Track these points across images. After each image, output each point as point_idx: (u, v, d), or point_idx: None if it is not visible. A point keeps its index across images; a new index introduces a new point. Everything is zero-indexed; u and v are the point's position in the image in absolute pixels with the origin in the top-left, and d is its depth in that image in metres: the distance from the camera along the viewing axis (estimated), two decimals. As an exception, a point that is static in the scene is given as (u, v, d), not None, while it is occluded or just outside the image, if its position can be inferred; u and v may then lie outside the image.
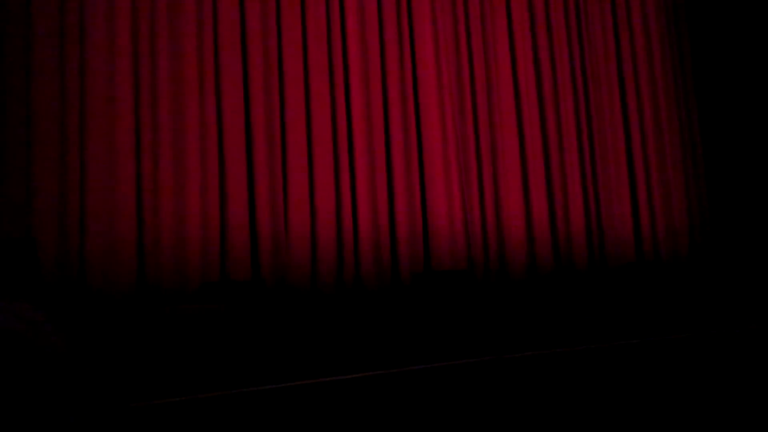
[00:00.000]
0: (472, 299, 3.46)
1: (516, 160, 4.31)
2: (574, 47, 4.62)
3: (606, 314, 3.59)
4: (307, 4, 3.86)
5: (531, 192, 4.32)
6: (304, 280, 3.61)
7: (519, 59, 4.42)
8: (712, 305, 3.82)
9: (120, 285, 3.20)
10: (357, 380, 2.48)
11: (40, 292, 2.91)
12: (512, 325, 3.33)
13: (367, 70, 3.97)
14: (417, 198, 3.97)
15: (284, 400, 2.35)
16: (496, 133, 4.29)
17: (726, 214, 4.82)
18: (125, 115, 3.32)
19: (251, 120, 3.63)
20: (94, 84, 3.27)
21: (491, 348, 3.05)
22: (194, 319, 2.80)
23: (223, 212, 3.51)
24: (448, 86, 4.16)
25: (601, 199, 4.55)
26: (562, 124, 4.49)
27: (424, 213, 3.99)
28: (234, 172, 3.54)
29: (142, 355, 2.55)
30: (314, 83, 3.81)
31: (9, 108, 3.09)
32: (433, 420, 2.44)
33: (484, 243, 4.15)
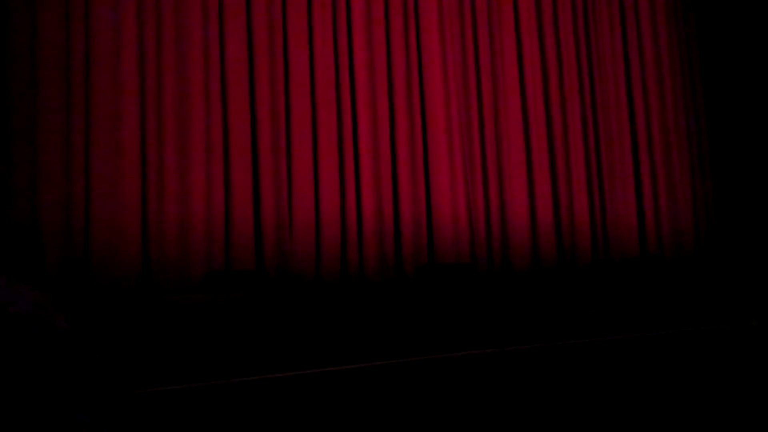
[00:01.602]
0: (475, 292, 3.46)
1: (521, 153, 4.30)
2: (580, 39, 4.59)
3: (609, 308, 3.59)
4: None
5: (535, 186, 4.31)
6: (307, 270, 3.61)
7: (525, 49, 4.40)
8: (716, 301, 3.81)
9: (124, 274, 3.21)
10: (359, 371, 2.49)
11: (44, 281, 2.92)
12: (515, 319, 3.33)
13: (372, 61, 3.95)
14: (421, 190, 3.97)
15: (287, 389, 2.36)
16: (500, 125, 4.27)
17: (731, 210, 4.80)
18: (130, 102, 3.32)
19: (256, 109, 3.63)
20: (99, 72, 3.27)
21: (493, 340, 3.06)
22: (197, 308, 2.81)
23: (228, 202, 3.51)
24: (453, 77, 4.14)
25: (606, 195, 4.53)
26: (568, 117, 4.47)
27: (428, 205, 3.99)
28: (238, 161, 3.54)
29: (146, 344, 2.56)
30: (319, 73, 3.80)
31: (15, 96, 3.09)
32: (436, 411, 2.45)
33: (488, 236, 4.15)
